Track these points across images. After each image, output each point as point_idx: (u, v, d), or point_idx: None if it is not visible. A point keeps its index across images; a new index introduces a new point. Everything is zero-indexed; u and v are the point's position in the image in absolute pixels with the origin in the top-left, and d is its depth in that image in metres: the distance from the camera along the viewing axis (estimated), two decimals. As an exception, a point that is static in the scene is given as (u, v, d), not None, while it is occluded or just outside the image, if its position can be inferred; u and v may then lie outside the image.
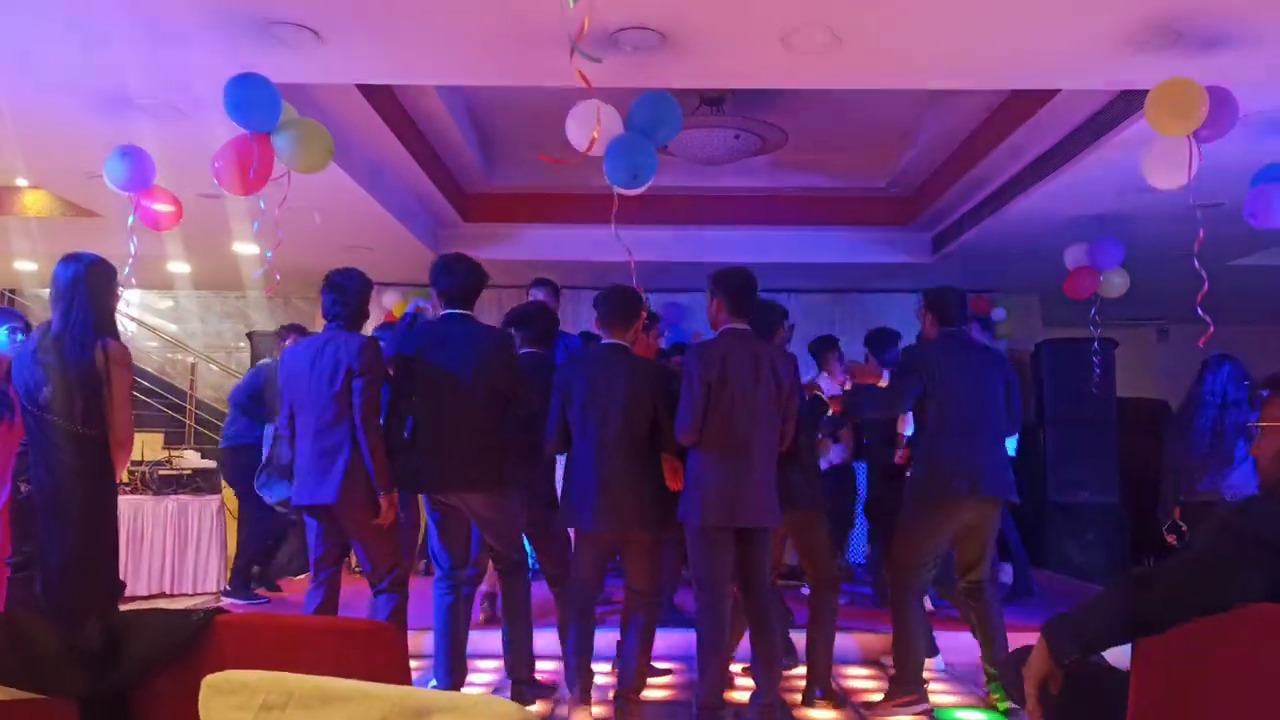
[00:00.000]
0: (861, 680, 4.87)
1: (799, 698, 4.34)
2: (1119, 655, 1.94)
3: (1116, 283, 6.32)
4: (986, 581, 4.24)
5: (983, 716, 4.22)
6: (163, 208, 4.80)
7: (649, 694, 4.48)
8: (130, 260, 4.78)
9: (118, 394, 3.63)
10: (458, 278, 4.08)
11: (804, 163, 7.34)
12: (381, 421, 3.92)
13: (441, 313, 4.13)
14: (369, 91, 5.19)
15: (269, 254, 4.61)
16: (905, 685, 4.16)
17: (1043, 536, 7.60)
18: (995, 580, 4.47)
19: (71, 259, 3.68)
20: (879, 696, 4.30)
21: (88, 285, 3.64)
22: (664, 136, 3.97)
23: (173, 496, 7.54)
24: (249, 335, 8.23)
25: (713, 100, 5.93)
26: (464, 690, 4.08)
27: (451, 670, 4.05)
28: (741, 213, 7.97)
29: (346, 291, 3.97)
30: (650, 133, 4.03)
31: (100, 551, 3.66)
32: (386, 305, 8.92)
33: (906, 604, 4.17)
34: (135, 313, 10.32)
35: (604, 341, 4.10)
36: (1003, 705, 4.12)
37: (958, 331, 4.36)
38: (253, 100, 3.93)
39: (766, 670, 3.92)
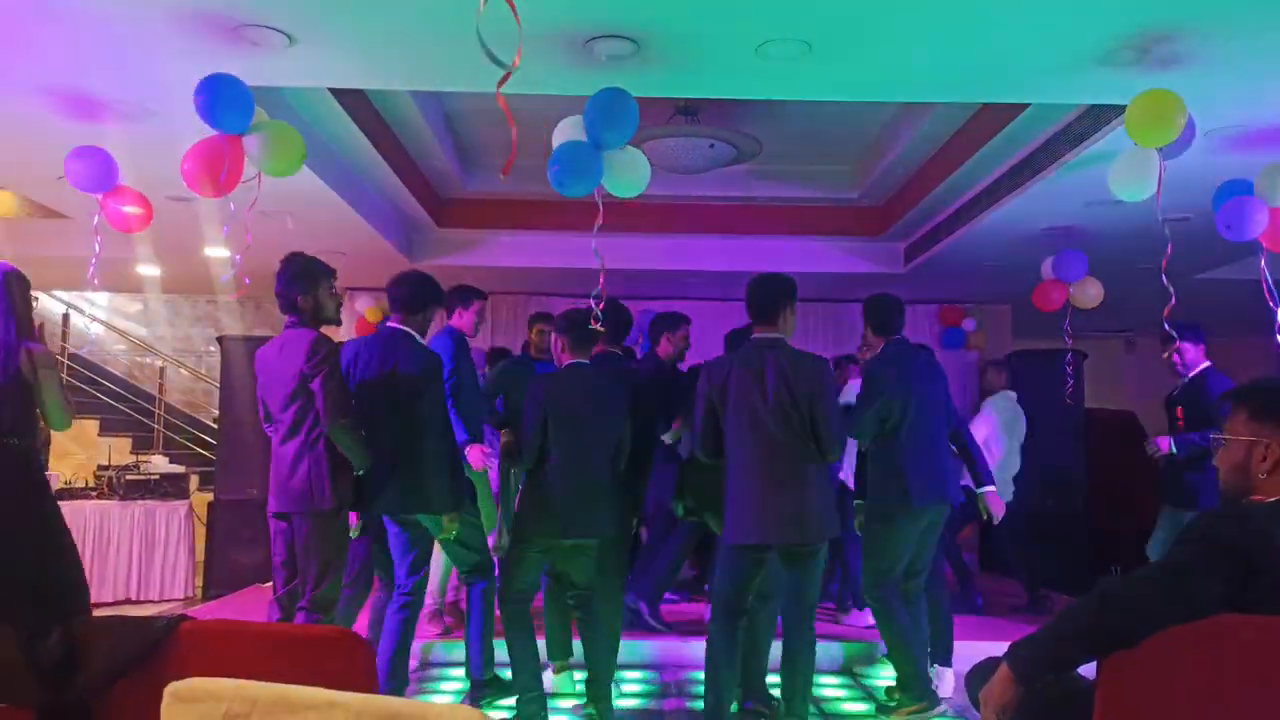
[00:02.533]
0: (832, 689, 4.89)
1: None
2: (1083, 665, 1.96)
3: (1091, 294, 6.36)
4: (928, 586, 4.35)
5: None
6: (131, 210, 4.75)
7: (622, 703, 4.49)
8: (93, 261, 4.74)
9: (50, 395, 3.64)
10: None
11: (778, 173, 7.38)
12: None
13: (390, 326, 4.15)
14: (342, 95, 5.16)
15: (237, 256, 4.56)
16: (912, 693, 4.16)
17: (1007, 546, 7.64)
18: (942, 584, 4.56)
19: None
20: (858, 706, 4.33)
21: (7, 295, 3.65)
22: (618, 138, 3.90)
23: (140, 502, 7.46)
24: (219, 339, 8.14)
25: (688, 110, 5.95)
26: (431, 699, 4.06)
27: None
28: (716, 222, 7.99)
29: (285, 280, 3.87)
30: (603, 132, 3.88)
31: (42, 560, 3.59)
32: (359, 310, 8.87)
33: (890, 613, 4.20)
34: (103, 316, 10.21)
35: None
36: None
37: (900, 340, 4.43)
38: (225, 101, 3.88)
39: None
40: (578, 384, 4.13)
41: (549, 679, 4.52)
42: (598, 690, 4.06)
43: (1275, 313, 4.40)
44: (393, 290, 4.16)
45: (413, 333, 4.10)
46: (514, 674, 4.07)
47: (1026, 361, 8.18)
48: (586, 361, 4.22)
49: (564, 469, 4.01)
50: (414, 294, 4.15)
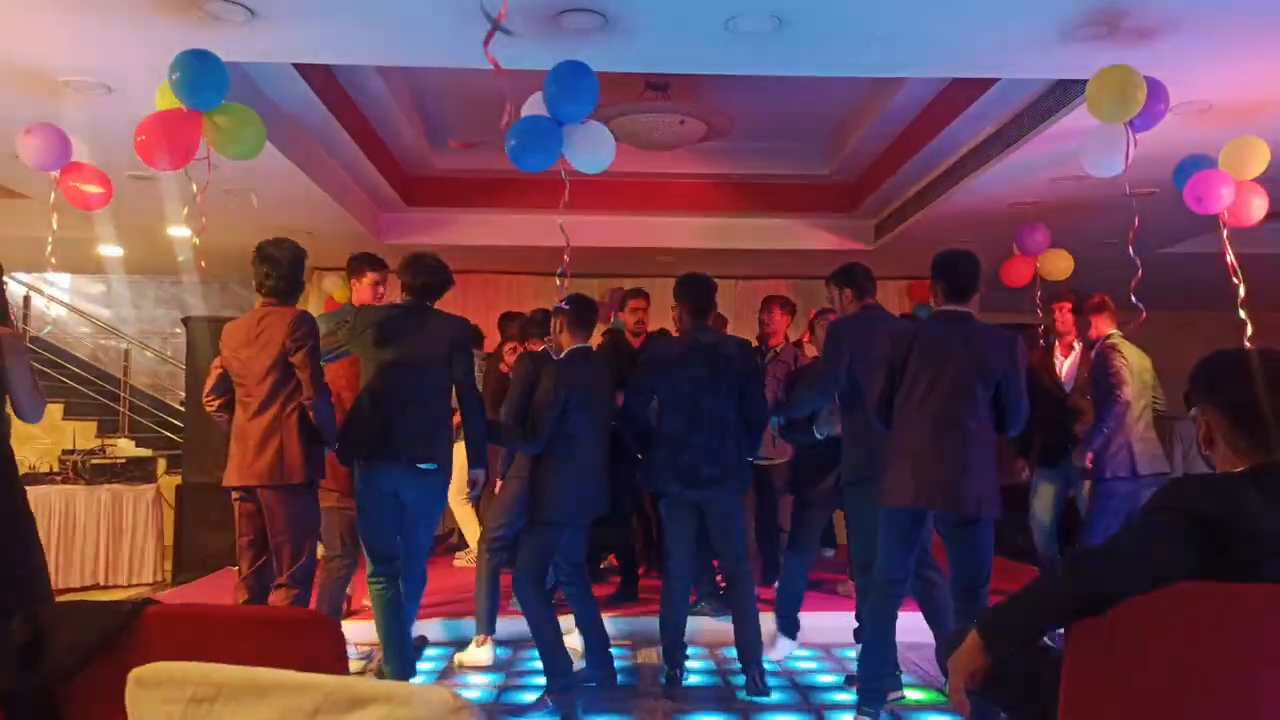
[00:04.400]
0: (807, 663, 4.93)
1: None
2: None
3: (1060, 266, 6.40)
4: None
5: (921, 695, 4.29)
6: (90, 188, 4.65)
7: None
8: (50, 239, 4.65)
9: (19, 381, 3.49)
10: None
11: (748, 149, 7.36)
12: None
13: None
14: (306, 71, 5.08)
15: (196, 240, 4.49)
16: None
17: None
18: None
19: None
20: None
21: None
22: (578, 111, 3.84)
23: (106, 486, 7.37)
24: (185, 321, 8.02)
25: (657, 85, 5.91)
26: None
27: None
28: (686, 199, 7.97)
29: (279, 264, 3.91)
30: (562, 106, 3.83)
31: (9, 547, 3.51)
32: (327, 290, 8.78)
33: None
34: (66, 298, 10.03)
35: None
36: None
37: (874, 306, 4.44)
38: (202, 80, 3.84)
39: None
40: (588, 367, 4.26)
41: (476, 652, 4.68)
42: (604, 656, 4.32)
43: (1239, 286, 4.46)
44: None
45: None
46: (548, 659, 4.13)
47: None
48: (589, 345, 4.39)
49: (582, 449, 4.15)
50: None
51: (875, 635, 3.82)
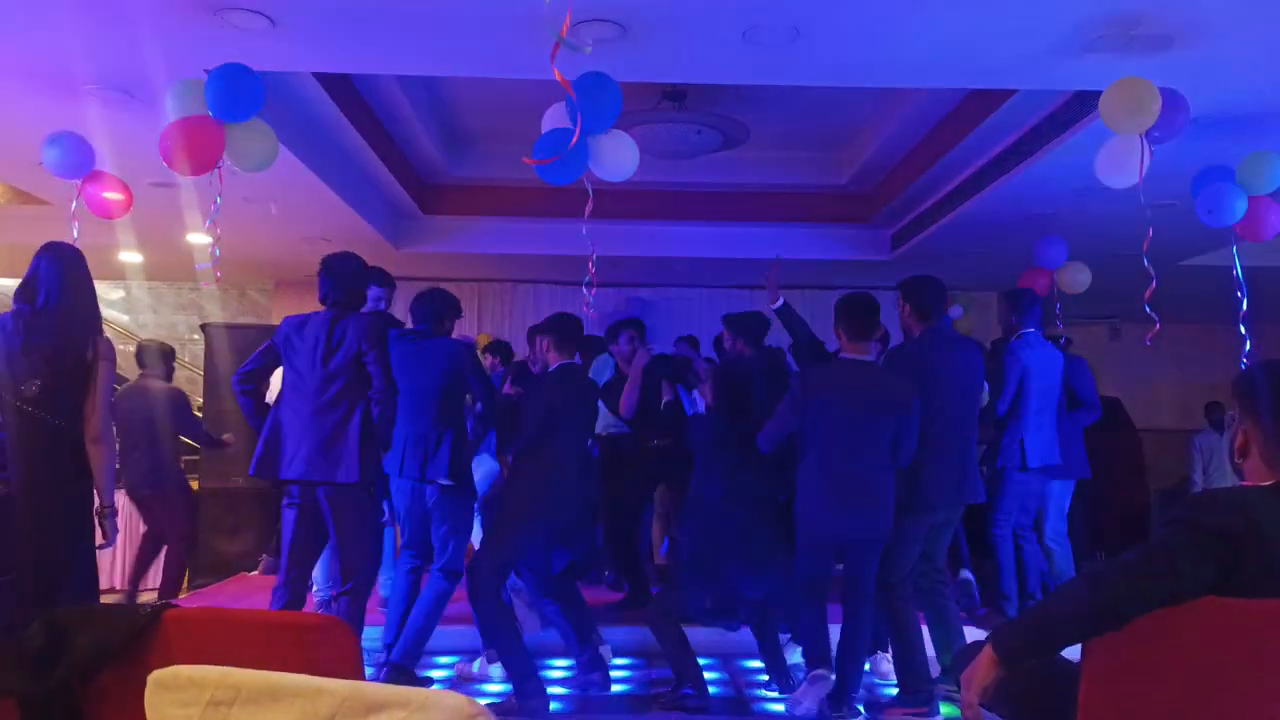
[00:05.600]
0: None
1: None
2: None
3: (1079, 279, 6.37)
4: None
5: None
6: (112, 196, 4.70)
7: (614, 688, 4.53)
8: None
9: (100, 387, 3.55)
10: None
11: (765, 159, 7.36)
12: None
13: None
14: (326, 79, 5.11)
15: (216, 251, 4.53)
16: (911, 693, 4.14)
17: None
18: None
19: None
20: None
21: (89, 277, 3.68)
22: (602, 122, 3.86)
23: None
24: (203, 327, 8.08)
25: (675, 95, 5.92)
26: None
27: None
28: (703, 208, 7.97)
29: (341, 276, 4.09)
30: (587, 117, 3.81)
31: (76, 546, 3.55)
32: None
33: (898, 610, 4.20)
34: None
35: None
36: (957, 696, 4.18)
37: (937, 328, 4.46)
38: (237, 93, 3.92)
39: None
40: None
41: (484, 668, 4.67)
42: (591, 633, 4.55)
43: (1242, 300, 4.44)
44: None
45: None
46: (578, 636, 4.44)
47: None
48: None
49: (576, 455, 4.41)
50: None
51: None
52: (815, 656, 4.07)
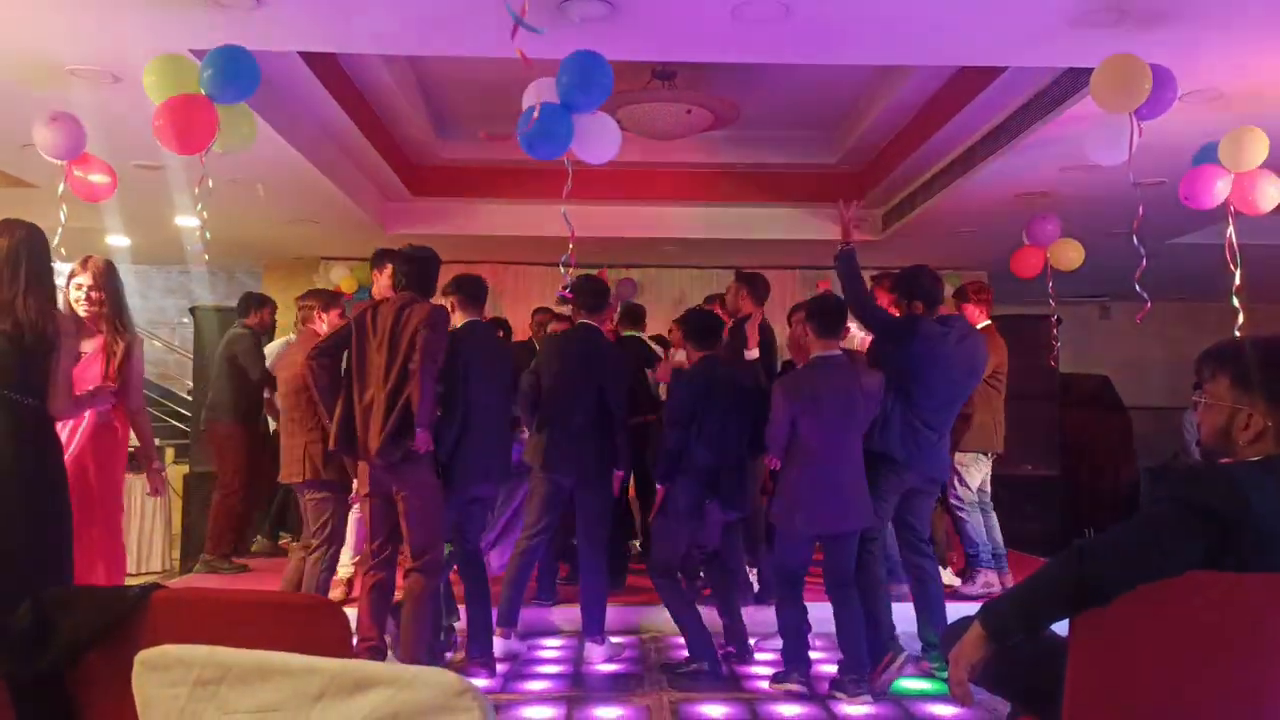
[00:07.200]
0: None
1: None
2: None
3: (1071, 256, 6.35)
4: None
5: (926, 684, 4.30)
6: (98, 178, 4.66)
7: (604, 666, 4.55)
8: (60, 230, 4.64)
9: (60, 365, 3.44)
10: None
11: (755, 138, 7.33)
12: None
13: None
14: (312, 59, 5.07)
15: (206, 233, 4.50)
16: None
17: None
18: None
19: None
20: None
21: (46, 255, 3.51)
22: (591, 101, 3.86)
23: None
24: (192, 310, 8.04)
25: (664, 74, 5.89)
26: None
27: None
28: (694, 188, 7.94)
29: (413, 263, 4.19)
30: (576, 95, 3.86)
31: (42, 525, 3.50)
32: (334, 280, 8.78)
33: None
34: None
35: None
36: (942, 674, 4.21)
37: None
38: (235, 75, 3.90)
39: None
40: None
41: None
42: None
43: (1235, 274, 4.44)
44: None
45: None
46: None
47: (1004, 326, 8.22)
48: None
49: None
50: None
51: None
52: (793, 657, 4.22)
